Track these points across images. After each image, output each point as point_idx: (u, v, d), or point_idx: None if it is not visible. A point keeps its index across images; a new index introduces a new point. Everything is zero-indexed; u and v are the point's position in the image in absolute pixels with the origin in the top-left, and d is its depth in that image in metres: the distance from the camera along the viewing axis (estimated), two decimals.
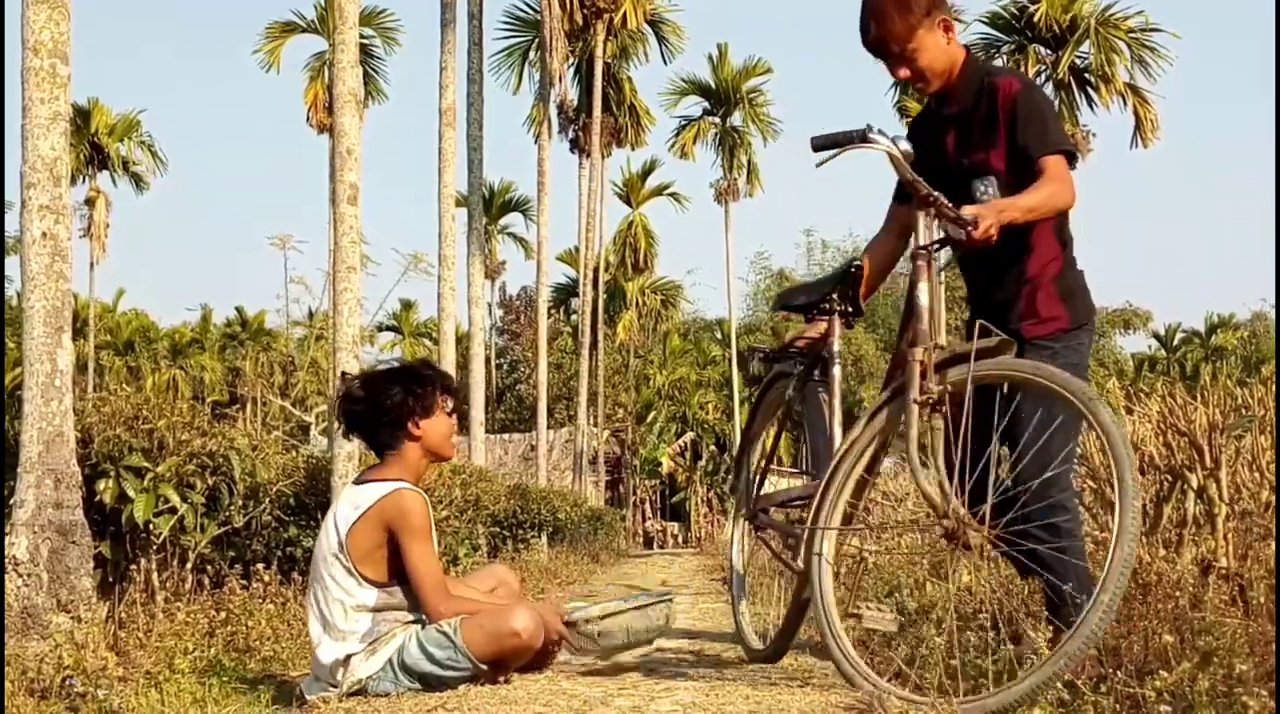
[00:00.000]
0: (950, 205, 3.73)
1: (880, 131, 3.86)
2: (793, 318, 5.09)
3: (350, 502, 4.54)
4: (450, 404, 4.75)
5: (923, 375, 3.68)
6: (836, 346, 4.36)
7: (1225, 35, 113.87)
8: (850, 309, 4.40)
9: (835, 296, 4.39)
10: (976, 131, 4.12)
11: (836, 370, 4.32)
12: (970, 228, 3.67)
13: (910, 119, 4.50)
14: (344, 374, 5.03)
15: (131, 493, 6.97)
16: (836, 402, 4.28)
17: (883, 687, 3.47)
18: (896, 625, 3.78)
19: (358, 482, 4.67)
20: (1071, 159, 4.04)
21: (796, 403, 4.57)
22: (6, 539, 5.98)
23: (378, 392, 4.67)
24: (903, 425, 3.68)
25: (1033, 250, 4.07)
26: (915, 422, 3.62)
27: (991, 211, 3.71)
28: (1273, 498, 5.16)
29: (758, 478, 4.82)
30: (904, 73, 4.21)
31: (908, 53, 4.14)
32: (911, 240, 3.99)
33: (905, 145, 3.90)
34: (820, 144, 3.99)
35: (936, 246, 3.86)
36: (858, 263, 4.38)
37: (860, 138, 3.84)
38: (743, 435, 5.08)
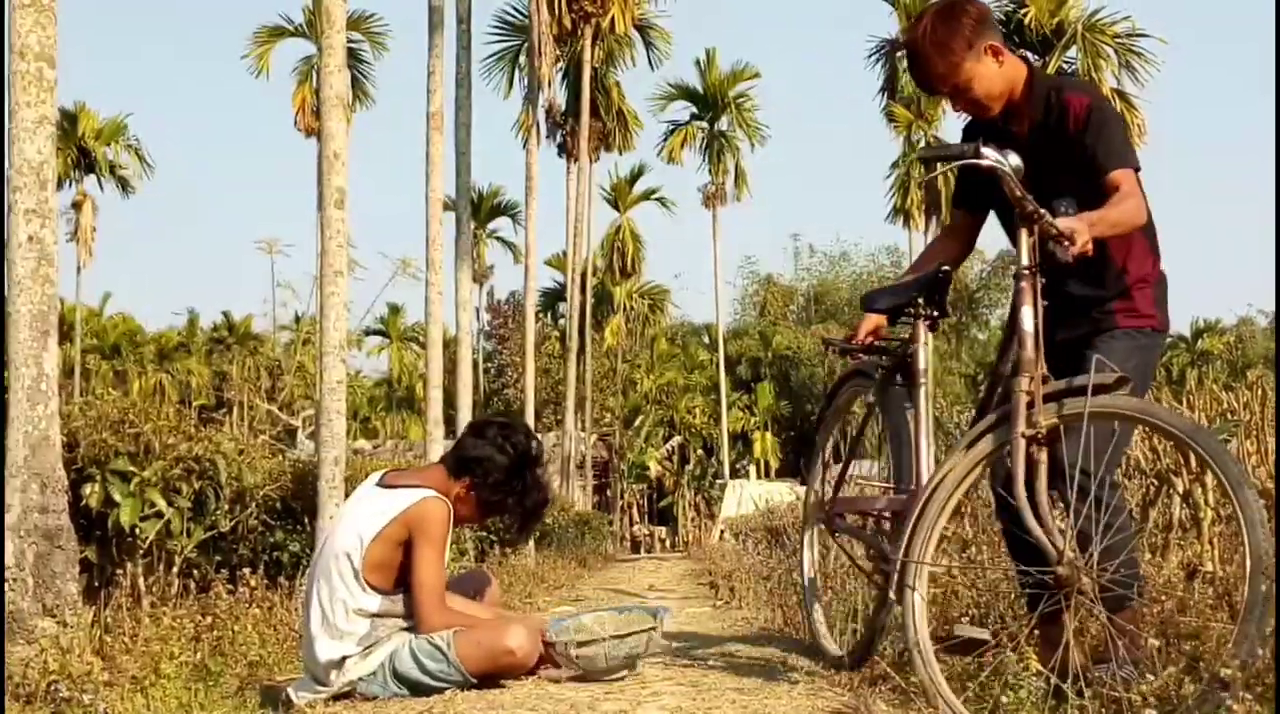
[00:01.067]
0: (1054, 223, 3.59)
1: (989, 146, 3.77)
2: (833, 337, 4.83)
3: (377, 506, 4.52)
4: (510, 532, 4.80)
5: (1029, 406, 3.49)
6: (923, 351, 4.21)
7: (1213, 40, 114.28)
8: (936, 313, 4.29)
9: (921, 300, 4.26)
10: (1047, 149, 4.05)
11: (925, 377, 4.17)
12: (1069, 243, 3.56)
13: (966, 127, 4.39)
14: (536, 437, 4.94)
15: (118, 497, 6.95)
16: (924, 411, 4.12)
17: None
18: (990, 635, 3.62)
19: (385, 485, 4.64)
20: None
21: (878, 407, 4.48)
22: None
23: (518, 468, 4.72)
24: (1008, 459, 3.50)
25: (1131, 255, 4.04)
26: (1022, 457, 3.43)
27: (1083, 225, 3.63)
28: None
29: (833, 481, 4.74)
30: (963, 106, 4.22)
31: (961, 88, 4.13)
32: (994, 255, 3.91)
33: (1015, 160, 3.77)
34: (928, 157, 3.92)
35: (1040, 266, 3.70)
36: (945, 267, 4.27)
37: (971, 153, 3.75)
38: (817, 437, 4.98)
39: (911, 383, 4.21)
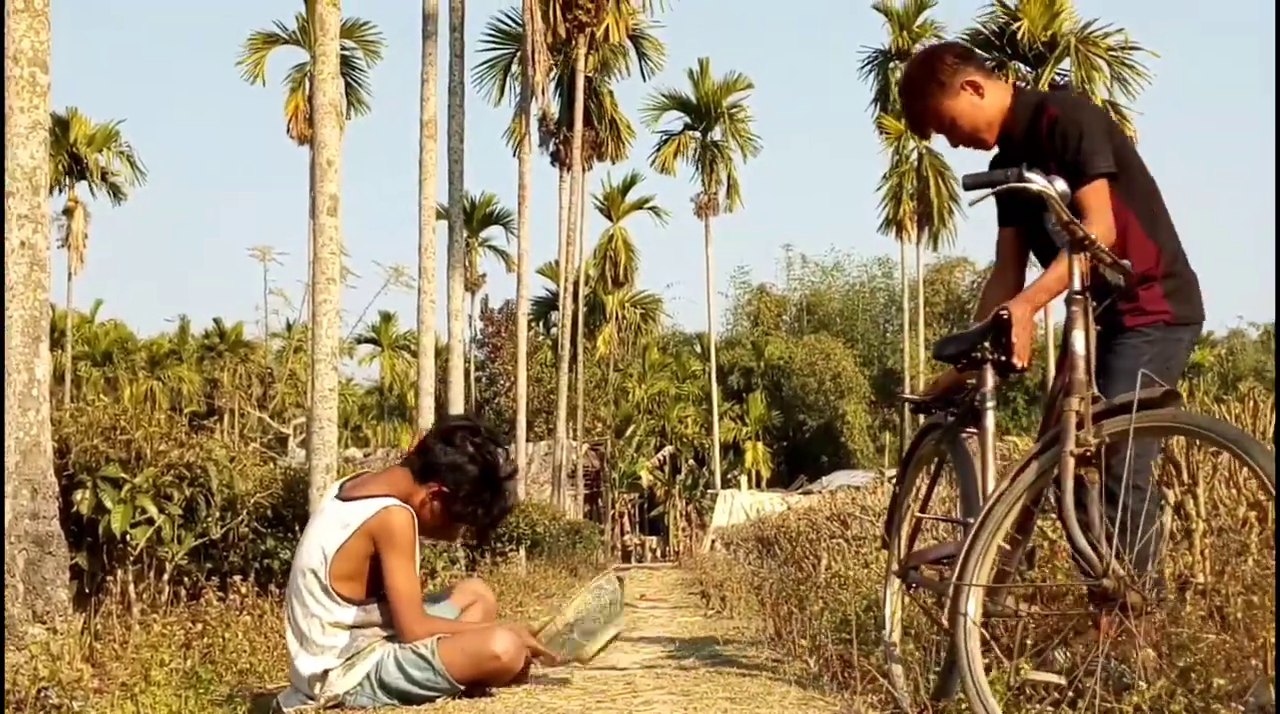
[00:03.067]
0: (1107, 249, 3.63)
1: (1035, 171, 3.82)
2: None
3: (338, 520, 4.48)
4: (465, 533, 4.77)
5: (1079, 426, 3.52)
6: (989, 396, 4.19)
7: (1205, 50, 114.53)
8: (1004, 358, 4.30)
9: (987, 345, 4.33)
10: (1038, 164, 4.15)
11: (989, 419, 4.17)
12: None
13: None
14: (504, 444, 4.87)
15: (109, 504, 6.94)
16: (989, 452, 4.13)
17: None
18: (1062, 677, 3.63)
19: (343, 497, 4.59)
20: (1114, 177, 4.11)
21: (948, 455, 4.50)
22: None
23: (485, 474, 4.64)
24: (1057, 479, 3.52)
25: (1129, 254, 4.05)
26: (1070, 475, 3.46)
27: (1022, 310, 3.89)
28: (1250, 514, 5.16)
29: (910, 533, 4.73)
30: (957, 142, 4.42)
31: (946, 127, 4.35)
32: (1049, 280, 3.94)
33: (1061, 185, 3.84)
34: (973, 183, 3.93)
35: (1092, 291, 3.73)
36: (1005, 310, 4.28)
37: (1016, 177, 3.78)
38: (895, 490, 4.98)
39: (977, 425, 4.23)
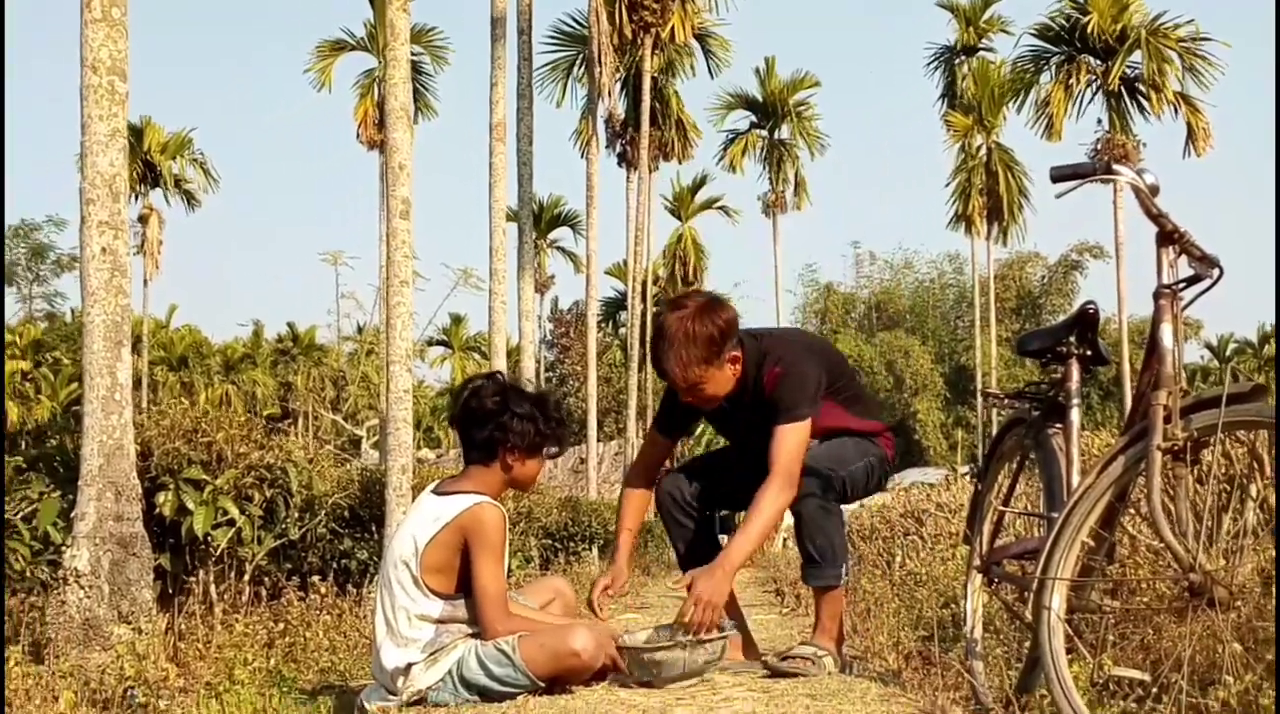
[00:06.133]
0: (1197, 243, 3.63)
1: (1124, 163, 3.81)
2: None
3: (431, 513, 4.52)
4: (554, 451, 4.76)
5: (1167, 420, 3.50)
6: (1074, 391, 4.21)
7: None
8: (1090, 353, 4.30)
9: (1072, 340, 4.32)
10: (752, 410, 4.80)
11: (1074, 415, 4.18)
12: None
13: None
14: (495, 373, 4.92)
15: (191, 505, 7.03)
16: (1074, 447, 4.13)
17: None
18: (1146, 672, 3.61)
19: (439, 492, 4.64)
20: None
21: (1031, 450, 4.49)
22: (68, 551, 6.04)
23: (506, 405, 4.63)
24: (1144, 473, 3.51)
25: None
26: (1158, 470, 3.46)
27: (711, 583, 4.58)
28: None
29: (992, 529, 4.73)
30: (689, 398, 4.79)
31: (694, 387, 4.71)
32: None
33: (1151, 178, 3.83)
34: (1061, 175, 3.93)
35: (1182, 285, 3.72)
36: (1092, 304, 4.28)
37: (1104, 169, 3.77)
38: (976, 485, 4.99)
39: (1062, 420, 4.21)
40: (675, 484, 5.09)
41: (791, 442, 4.64)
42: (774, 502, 4.56)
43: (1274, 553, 3.55)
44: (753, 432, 4.74)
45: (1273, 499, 5.60)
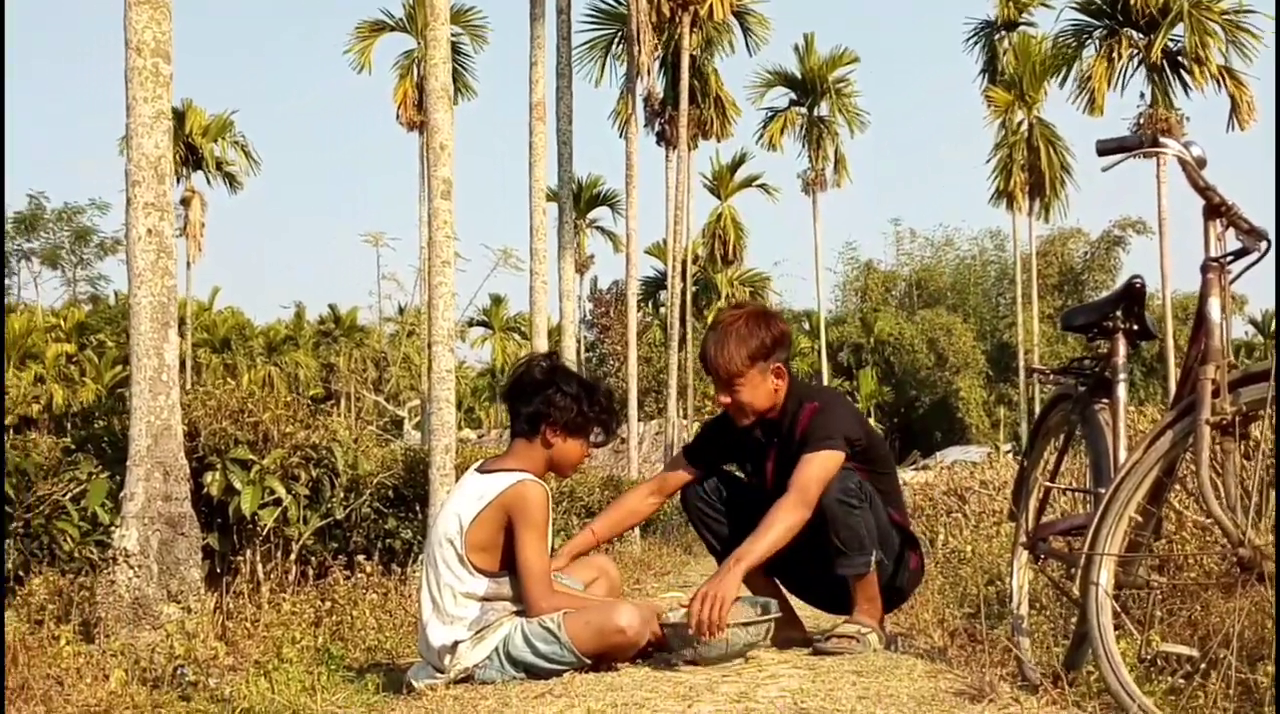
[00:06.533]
0: (1244, 216, 3.61)
1: (1169, 136, 3.77)
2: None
3: (475, 491, 4.55)
4: (600, 438, 4.78)
5: (1215, 394, 3.47)
6: (1121, 366, 4.19)
7: None
8: (1136, 327, 4.26)
9: (1119, 314, 4.28)
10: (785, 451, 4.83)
11: (1121, 390, 4.16)
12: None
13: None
14: (551, 354, 4.98)
15: (238, 485, 7.08)
16: (1121, 422, 4.11)
17: None
18: (1194, 648, 3.59)
19: (483, 470, 4.66)
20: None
21: (1078, 426, 4.47)
22: (116, 531, 6.10)
23: (554, 380, 4.68)
24: (1192, 448, 3.47)
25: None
26: (1206, 444, 3.42)
27: (713, 589, 4.49)
28: None
29: (1038, 505, 4.72)
30: (725, 402, 4.84)
31: (732, 383, 4.78)
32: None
33: (1197, 150, 3.79)
34: (1107, 149, 3.90)
35: (1229, 258, 3.69)
36: (1139, 278, 4.26)
37: (1150, 142, 3.75)
38: (1022, 461, 4.97)
39: (1109, 396, 4.18)
40: (709, 487, 5.12)
41: (815, 465, 4.65)
42: (786, 518, 4.57)
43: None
44: (781, 472, 4.75)
45: None
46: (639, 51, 31.49)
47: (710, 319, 50.15)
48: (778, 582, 5.16)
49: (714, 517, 5.08)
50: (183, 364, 48.10)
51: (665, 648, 4.65)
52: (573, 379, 4.72)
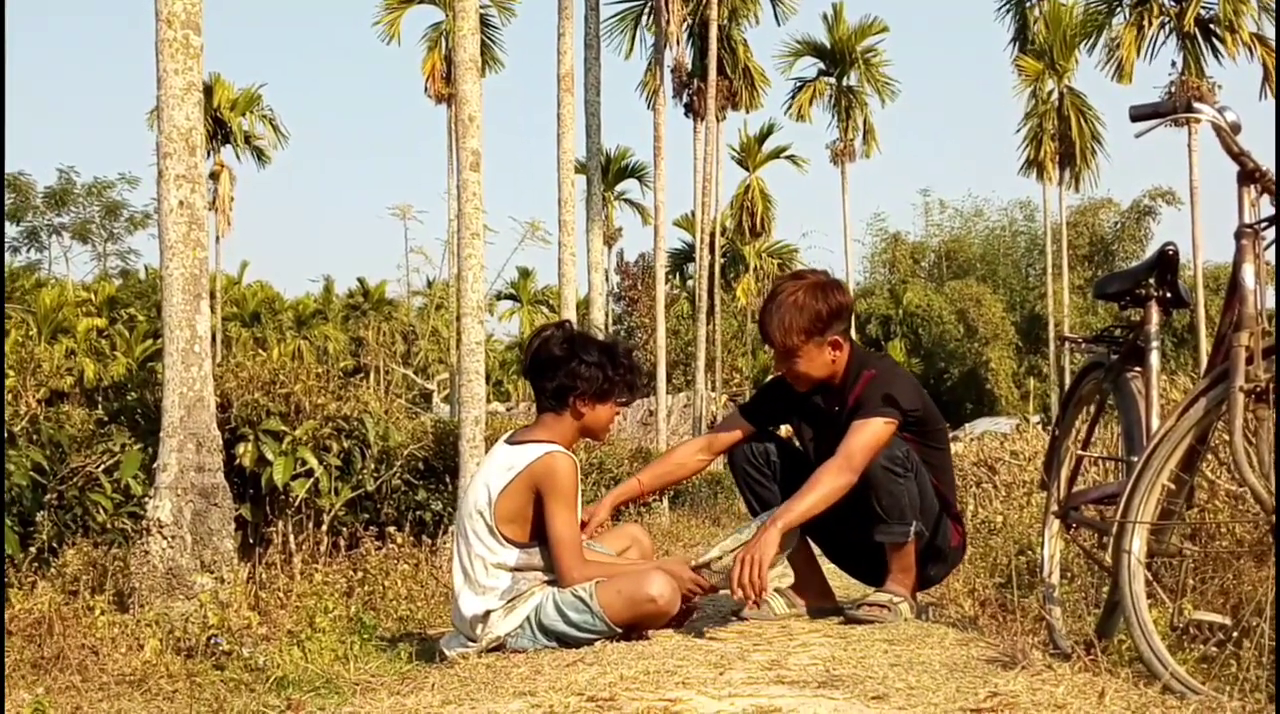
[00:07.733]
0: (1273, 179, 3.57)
1: (1203, 102, 3.74)
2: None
3: (504, 462, 4.56)
4: (625, 398, 4.77)
5: (1249, 361, 3.43)
6: (1154, 334, 4.15)
7: None
8: (1169, 295, 4.21)
9: (1152, 282, 4.25)
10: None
11: (1154, 357, 4.12)
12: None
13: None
14: (563, 322, 4.95)
15: (270, 456, 7.11)
16: (1154, 391, 4.08)
17: (1202, 690, 3.18)
18: (1227, 616, 3.57)
19: (511, 442, 4.68)
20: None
21: (1110, 394, 4.45)
22: (150, 502, 6.13)
23: (574, 352, 4.67)
24: (1225, 415, 3.43)
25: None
26: (1240, 411, 3.38)
27: (753, 554, 4.47)
28: None
29: (1070, 474, 4.70)
30: (782, 368, 4.87)
31: (789, 354, 4.77)
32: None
33: (1232, 116, 3.75)
34: (1140, 114, 3.87)
35: (1264, 224, 3.65)
36: (1172, 245, 4.23)
37: (1184, 107, 3.72)
38: (1054, 430, 4.96)
39: (1141, 364, 4.16)
40: (757, 450, 5.10)
41: (865, 432, 4.63)
42: (830, 481, 4.57)
43: None
44: (835, 440, 4.71)
45: None
46: (667, 21, 31.41)
47: (735, 292, 50.11)
48: (810, 543, 5.15)
49: (758, 480, 5.07)
50: (213, 338, 48.20)
51: (708, 593, 4.70)
52: (592, 346, 4.72)
